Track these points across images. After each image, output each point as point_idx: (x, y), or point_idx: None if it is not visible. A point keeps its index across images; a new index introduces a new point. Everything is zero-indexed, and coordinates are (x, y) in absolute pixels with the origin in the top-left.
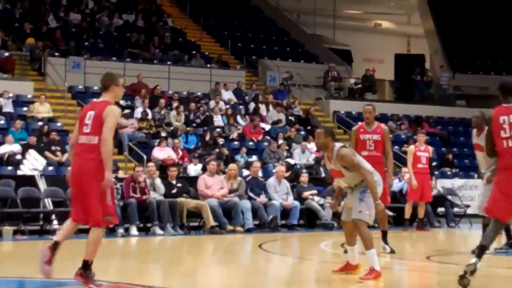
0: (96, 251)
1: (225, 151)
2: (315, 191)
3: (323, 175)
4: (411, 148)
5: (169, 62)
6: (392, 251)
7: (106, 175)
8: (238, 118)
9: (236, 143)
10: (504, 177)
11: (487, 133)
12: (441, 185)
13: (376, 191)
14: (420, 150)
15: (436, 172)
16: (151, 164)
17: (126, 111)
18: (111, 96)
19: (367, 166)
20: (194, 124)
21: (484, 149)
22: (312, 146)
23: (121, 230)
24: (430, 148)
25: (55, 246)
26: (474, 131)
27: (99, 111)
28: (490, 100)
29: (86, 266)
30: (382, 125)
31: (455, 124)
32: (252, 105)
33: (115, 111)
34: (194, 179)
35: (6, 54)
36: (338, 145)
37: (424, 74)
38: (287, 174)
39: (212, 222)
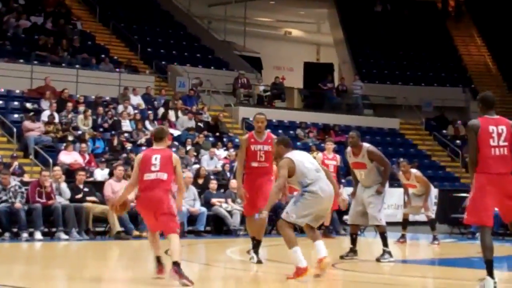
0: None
1: (133, 156)
2: (222, 198)
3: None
4: (319, 156)
5: (77, 66)
6: (259, 262)
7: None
8: (147, 123)
9: (143, 148)
10: (485, 182)
11: (472, 142)
12: (347, 193)
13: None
14: (328, 158)
15: (343, 180)
16: (57, 168)
17: (32, 114)
18: (165, 145)
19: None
20: (101, 129)
21: (365, 165)
22: (220, 152)
23: (25, 235)
24: (338, 157)
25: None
26: (349, 149)
27: (167, 155)
28: (396, 109)
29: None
30: (272, 134)
31: (362, 132)
32: (161, 111)
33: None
34: (101, 184)
35: None
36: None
37: (333, 83)
38: (200, 181)
39: (118, 228)
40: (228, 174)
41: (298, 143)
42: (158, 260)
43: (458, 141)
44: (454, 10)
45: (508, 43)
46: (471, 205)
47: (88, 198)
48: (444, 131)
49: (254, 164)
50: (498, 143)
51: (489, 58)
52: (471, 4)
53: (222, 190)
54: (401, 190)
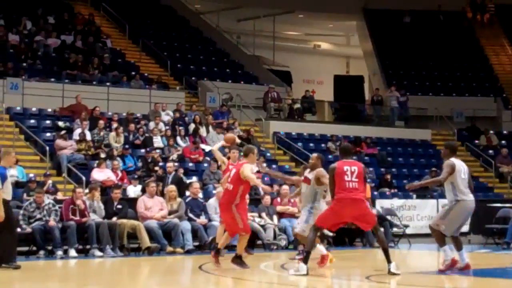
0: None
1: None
2: (255, 213)
3: (261, 195)
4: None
5: (108, 83)
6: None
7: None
8: (178, 139)
9: (176, 164)
10: (339, 207)
11: (331, 178)
12: (380, 205)
13: None
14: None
15: (376, 193)
16: (93, 186)
17: (64, 132)
18: (250, 160)
19: None
20: (133, 145)
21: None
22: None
23: (60, 252)
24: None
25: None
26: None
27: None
28: (427, 121)
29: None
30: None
31: (394, 144)
32: (192, 126)
33: (246, 167)
34: (134, 200)
35: None
36: None
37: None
38: None
39: (147, 243)
40: (260, 189)
41: (330, 156)
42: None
43: (490, 151)
44: (484, 19)
45: None
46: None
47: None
48: (476, 141)
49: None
50: (351, 178)
51: None
52: (501, 13)
53: (254, 205)
54: (434, 201)
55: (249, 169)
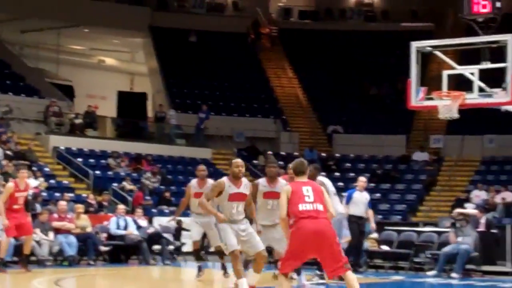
0: None
1: None
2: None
3: (39, 211)
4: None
5: None
6: None
7: None
8: None
9: None
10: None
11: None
12: (158, 222)
13: None
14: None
15: (154, 210)
16: None
17: None
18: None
19: None
20: None
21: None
22: (29, 182)
23: None
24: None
25: None
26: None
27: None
28: (208, 140)
29: None
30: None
31: (174, 162)
32: None
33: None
34: None
35: None
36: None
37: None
38: None
39: None
40: (38, 205)
41: (109, 172)
42: None
43: None
44: (267, 43)
45: (319, 76)
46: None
47: None
48: (255, 161)
49: None
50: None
51: (299, 90)
52: (284, 37)
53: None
54: None
55: None
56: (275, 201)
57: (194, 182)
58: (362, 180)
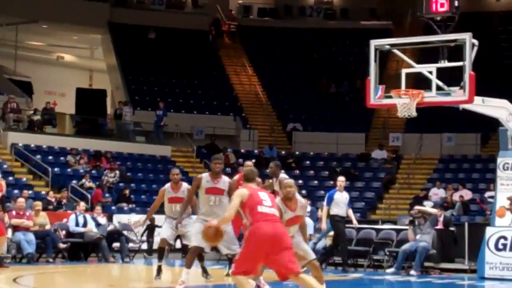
0: None
1: None
2: None
3: None
4: None
5: None
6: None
7: None
8: None
9: None
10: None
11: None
12: (117, 220)
13: None
14: None
15: (114, 207)
16: None
17: None
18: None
19: None
20: None
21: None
22: None
23: None
24: None
25: None
26: (274, 179)
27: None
28: (168, 137)
29: None
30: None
31: (134, 159)
32: None
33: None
34: None
35: None
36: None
37: (110, 109)
38: None
39: None
40: None
41: (68, 170)
42: None
43: (228, 169)
44: (226, 39)
45: (278, 73)
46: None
47: None
48: None
49: None
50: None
51: (259, 87)
52: (243, 34)
53: None
54: None
55: None
56: (217, 197)
57: (168, 186)
58: (341, 179)
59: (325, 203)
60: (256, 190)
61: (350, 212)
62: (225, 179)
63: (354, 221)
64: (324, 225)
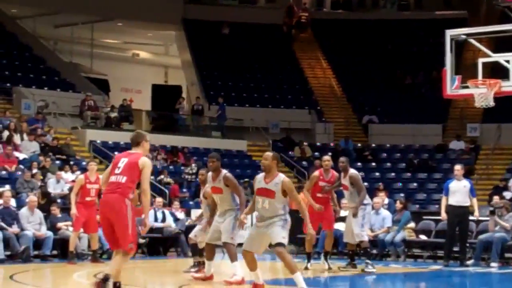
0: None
1: None
2: (69, 222)
3: None
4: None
5: None
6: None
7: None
8: None
9: None
10: None
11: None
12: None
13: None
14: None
15: (191, 202)
16: None
17: None
18: (143, 150)
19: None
20: None
21: (348, 188)
22: (67, 176)
23: None
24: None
25: None
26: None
27: (134, 160)
28: (243, 131)
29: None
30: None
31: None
32: (5, 134)
33: (150, 164)
34: None
35: None
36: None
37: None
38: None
39: None
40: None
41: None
42: None
43: (304, 162)
44: (303, 34)
45: (353, 66)
46: None
47: None
48: (291, 153)
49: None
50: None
51: (334, 80)
52: (317, 27)
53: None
54: None
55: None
56: (218, 196)
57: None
58: (457, 168)
59: (443, 193)
60: (120, 157)
61: (474, 201)
62: (220, 176)
63: (476, 212)
64: (443, 215)
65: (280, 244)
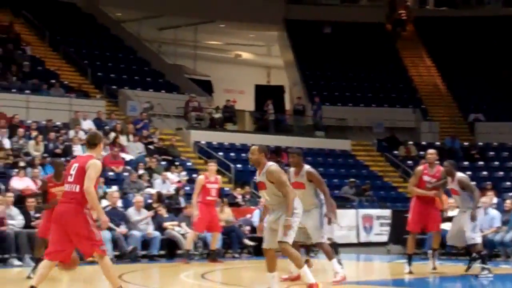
0: None
1: None
2: (175, 222)
3: (183, 205)
4: (200, 178)
5: (27, 91)
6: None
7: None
8: None
9: None
10: None
11: None
12: None
13: (291, 209)
14: (210, 182)
15: None
16: (9, 194)
17: None
18: (97, 152)
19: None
20: (53, 154)
21: (459, 192)
22: (172, 176)
23: None
24: (219, 178)
25: None
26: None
27: (83, 164)
28: (347, 131)
29: None
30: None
31: (314, 154)
32: (112, 135)
33: (96, 164)
34: None
35: None
36: (269, 163)
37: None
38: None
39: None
40: (182, 198)
41: (250, 166)
42: None
43: (409, 162)
44: (403, 32)
45: (457, 63)
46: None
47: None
48: (396, 152)
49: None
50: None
51: (438, 78)
52: (420, 25)
53: (174, 214)
54: (353, 211)
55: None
56: (300, 191)
57: None
58: None
59: None
60: (73, 162)
61: None
62: (303, 171)
63: None
64: None
65: (281, 242)
